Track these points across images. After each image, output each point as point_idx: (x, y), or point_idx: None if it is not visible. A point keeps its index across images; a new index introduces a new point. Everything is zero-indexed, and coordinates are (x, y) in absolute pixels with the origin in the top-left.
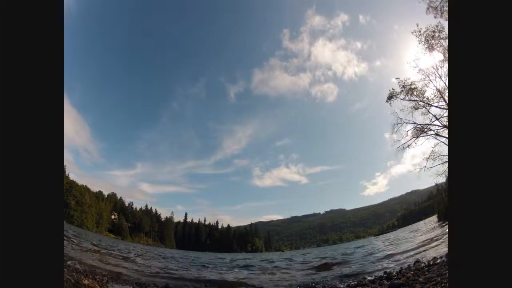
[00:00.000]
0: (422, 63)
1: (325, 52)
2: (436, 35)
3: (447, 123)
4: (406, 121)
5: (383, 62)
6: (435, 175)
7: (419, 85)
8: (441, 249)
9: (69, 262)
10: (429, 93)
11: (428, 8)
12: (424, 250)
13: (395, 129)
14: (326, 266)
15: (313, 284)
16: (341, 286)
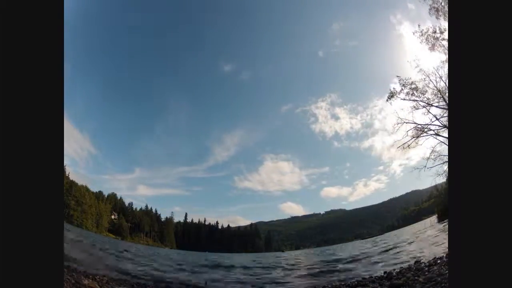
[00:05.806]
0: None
1: None
2: (438, 35)
3: (447, 123)
4: (406, 121)
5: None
6: (435, 175)
7: (420, 85)
8: None
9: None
10: (430, 93)
11: (430, 9)
12: None
13: (395, 129)
14: None
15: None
16: (341, 286)
